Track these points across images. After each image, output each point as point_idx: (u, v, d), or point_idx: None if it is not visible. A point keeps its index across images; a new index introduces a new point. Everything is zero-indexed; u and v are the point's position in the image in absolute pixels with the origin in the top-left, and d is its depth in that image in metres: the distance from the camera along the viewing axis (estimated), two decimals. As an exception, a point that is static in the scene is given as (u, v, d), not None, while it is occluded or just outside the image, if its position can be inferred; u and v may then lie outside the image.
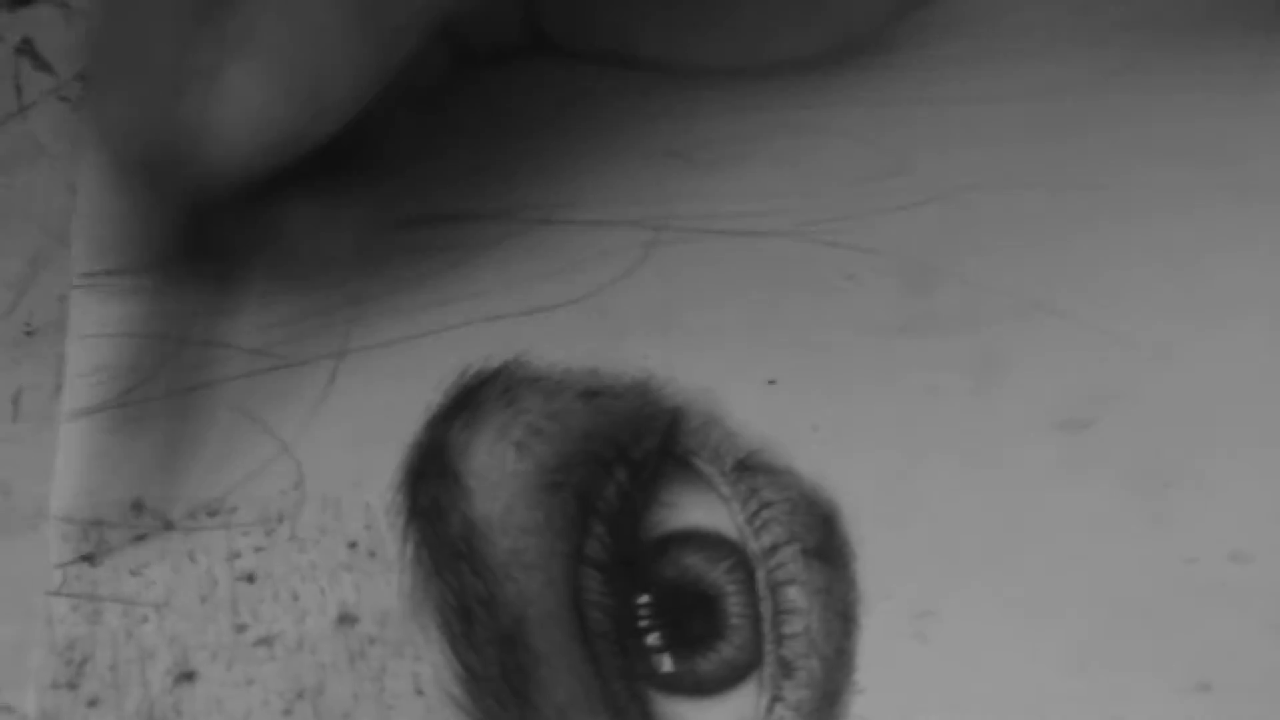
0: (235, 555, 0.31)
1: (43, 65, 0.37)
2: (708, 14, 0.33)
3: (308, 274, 0.33)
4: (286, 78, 0.28)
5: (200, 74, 0.28)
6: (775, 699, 0.29)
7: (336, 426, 0.32)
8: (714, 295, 0.33)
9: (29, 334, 0.34)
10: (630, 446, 0.31)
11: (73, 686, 0.30)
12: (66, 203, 0.35)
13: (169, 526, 0.32)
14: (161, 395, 0.32)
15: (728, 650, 0.30)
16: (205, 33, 0.28)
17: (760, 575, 0.30)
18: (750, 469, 0.31)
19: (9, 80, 0.37)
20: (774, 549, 0.30)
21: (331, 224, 0.31)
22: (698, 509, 0.31)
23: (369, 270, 0.33)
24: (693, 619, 0.30)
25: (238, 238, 0.31)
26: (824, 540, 0.30)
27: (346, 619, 0.31)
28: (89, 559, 0.31)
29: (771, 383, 0.32)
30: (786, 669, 0.29)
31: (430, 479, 0.31)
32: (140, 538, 0.31)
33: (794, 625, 0.30)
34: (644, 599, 0.30)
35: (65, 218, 0.35)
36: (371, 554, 0.31)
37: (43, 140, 0.36)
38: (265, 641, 0.30)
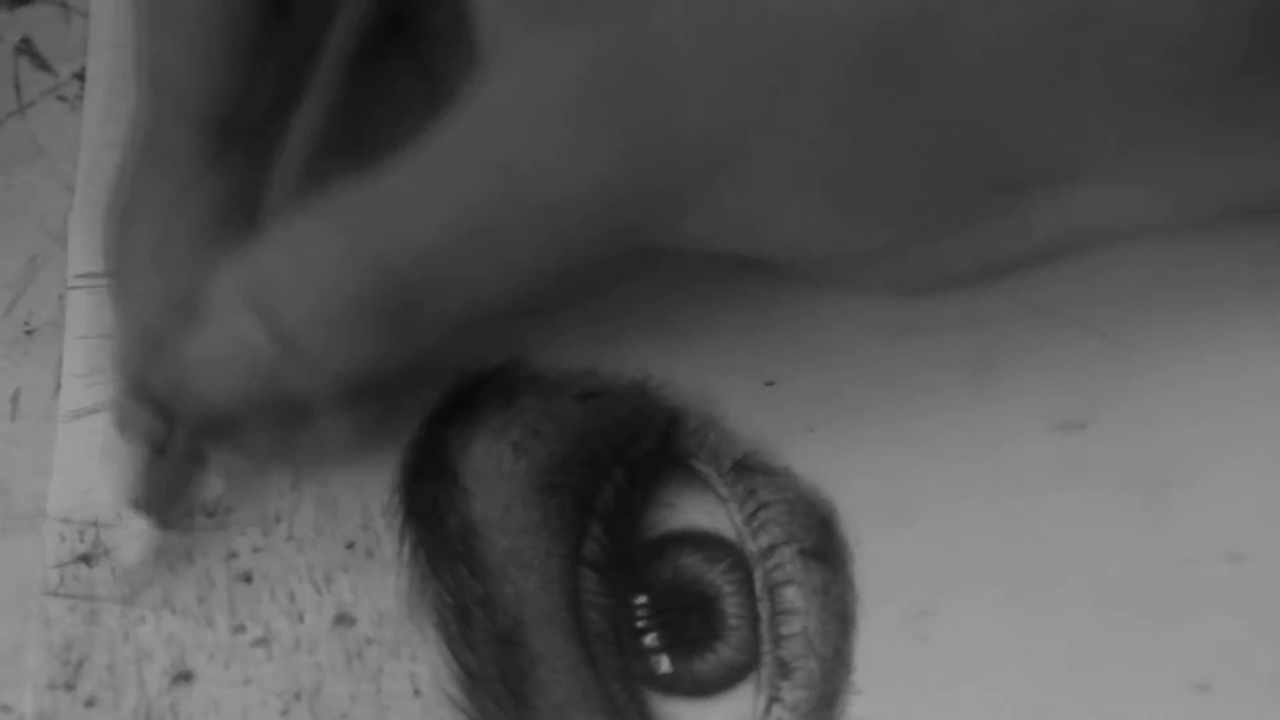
0: (232, 555, 0.31)
1: (42, 65, 0.37)
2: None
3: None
4: (297, 356, 0.27)
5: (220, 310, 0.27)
6: (773, 700, 0.29)
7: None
8: (711, 296, 0.33)
9: (28, 334, 0.34)
10: (628, 447, 0.31)
11: (70, 687, 0.30)
12: (65, 202, 0.35)
13: (166, 527, 0.31)
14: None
15: (725, 651, 0.30)
16: (229, 274, 0.27)
17: (758, 576, 0.30)
18: (748, 470, 0.31)
19: (8, 80, 0.37)
20: (772, 550, 0.30)
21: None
22: (695, 510, 0.31)
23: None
24: (690, 620, 0.30)
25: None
26: (822, 541, 0.30)
27: (344, 619, 0.31)
28: (86, 560, 0.31)
29: (769, 384, 0.32)
30: (784, 670, 0.29)
31: (428, 479, 0.31)
32: (138, 538, 0.31)
33: (792, 626, 0.30)
34: (641, 600, 0.30)
35: (64, 218, 0.35)
36: (369, 554, 0.31)
37: (42, 140, 0.36)
38: (262, 642, 0.30)
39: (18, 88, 0.37)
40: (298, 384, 0.27)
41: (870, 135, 0.25)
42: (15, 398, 0.34)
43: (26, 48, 0.37)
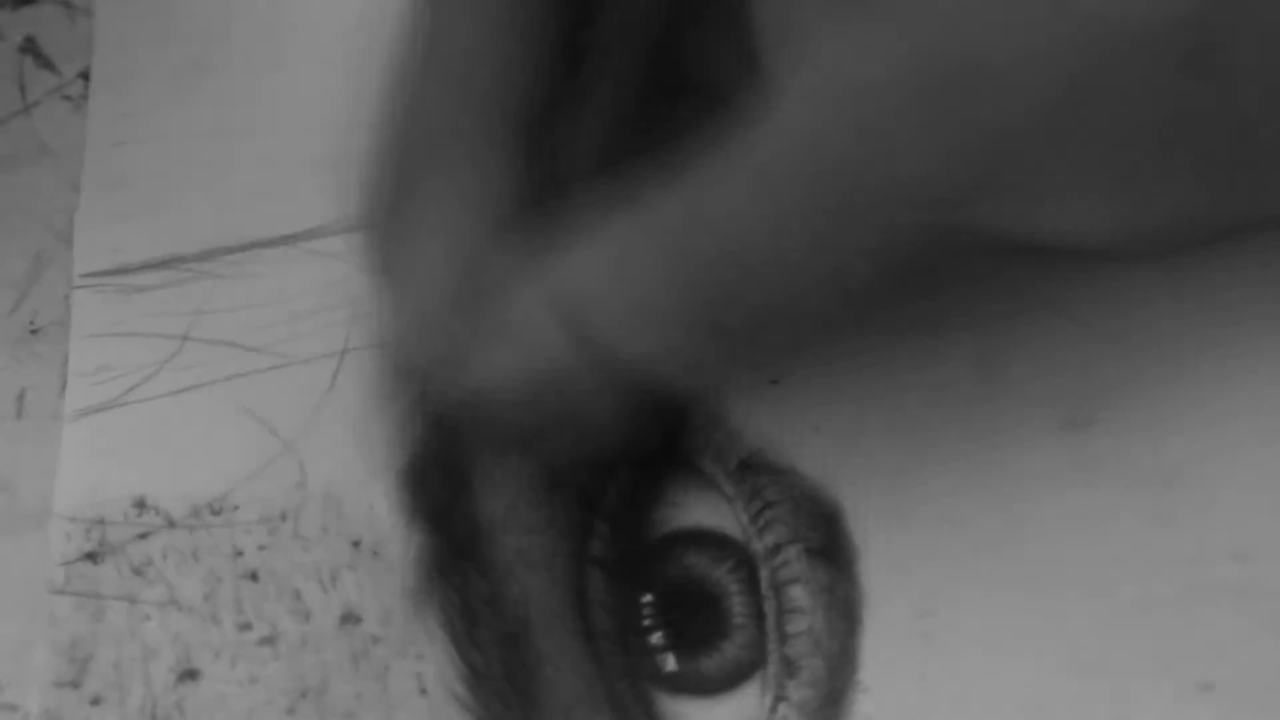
0: (238, 554, 0.31)
1: (46, 64, 0.37)
2: None
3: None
4: (600, 363, 0.26)
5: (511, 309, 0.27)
6: (779, 698, 0.29)
7: (340, 425, 0.32)
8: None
9: (33, 333, 0.34)
10: (633, 446, 0.31)
11: (76, 685, 0.30)
12: (70, 201, 0.35)
13: (172, 525, 0.32)
14: (164, 394, 0.32)
15: (731, 649, 0.30)
16: (522, 266, 0.27)
17: (764, 574, 0.30)
18: (753, 468, 0.31)
19: (12, 79, 0.37)
20: (777, 548, 0.30)
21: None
22: (701, 508, 0.31)
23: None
24: (696, 618, 0.30)
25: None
26: (827, 540, 0.30)
27: (350, 618, 0.31)
28: (92, 557, 0.31)
29: (774, 383, 0.32)
30: (790, 668, 0.29)
31: (434, 479, 0.31)
32: (143, 536, 0.31)
33: (798, 624, 0.30)
34: (647, 598, 0.30)
35: (69, 217, 0.35)
36: (375, 553, 0.31)
37: (46, 139, 0.36)
38: (268, 640, 0.30)
39: (22, 87, 0.37)
40: (599, 404, 0.26)
41: (1168, 137, 0.25)
42: (20, 397, 0.34)
43: (31, 47, 0.37)
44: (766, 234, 0.25)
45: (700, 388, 0.28)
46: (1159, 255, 0.31)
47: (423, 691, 0.30)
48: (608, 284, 0.26)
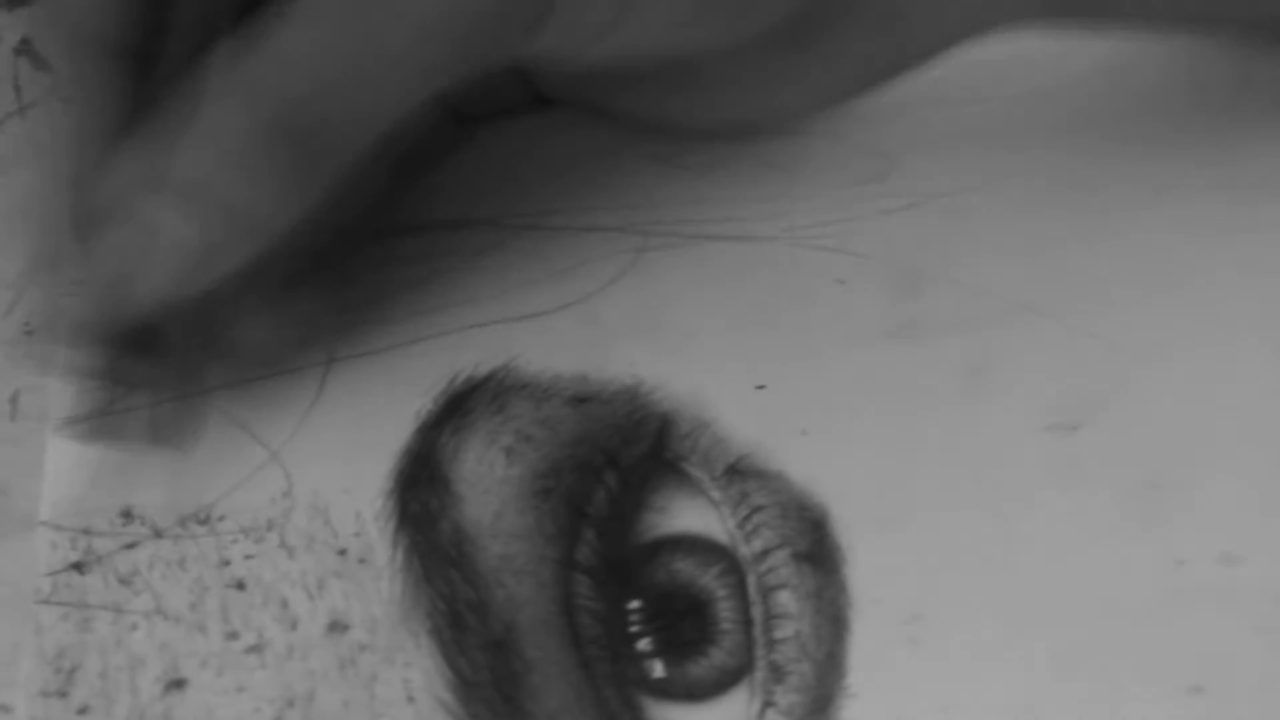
0: (225, 563, 0.31)
1: (42, 65, 0.37)
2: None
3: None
4: (205, 208, 0.28)
5: (122, 204, 0.28)
6: (767, 704, 0.29)
7: (325, 433, 0.32)
8: (703, 300, 0.33)
9: (28, 334, 0.34)
10: (620, 452, 0.31)
11: (63, 694, 0.30)
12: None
13: (158, 534, 0.31)
14: (149, 403, 0.32)
15: (719, 655, 0.30)
16: (126, 167, 0.28)
17: (751, 580, 0.30)
18: (740, 474, 0.31)
19: (8, 80, 0.37)
20: (765, 554, 0.30)
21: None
22: (688, 514, 0.31)
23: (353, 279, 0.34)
24: (684, 624, 0.30)
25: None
26: (815, 545, 0.30)
27: (337, 626, 0.30)
28: (78, 567, 0.31)
29: (761, 387, 0.32)
30: (778, 674, 0.29)
31: (420, 485, 0.31)
32: (129, 545, 0.31)
33: (785, 630, 0.30)
34: (635, 604, 0.30)
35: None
36: (361, 561, 0.31)
37: (42, 140, 0.36)
38: (255, 649, 0.30)
39: (18, 88, 0.37)
40: (220, 252, 0.28)
41: None
42: (14, 399, 0.34)
43: (26, 48, 0.37)
44: (322, 65, 0.27)
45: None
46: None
47: (410, 699, 0.30)
48: (186, 134, 0.27)
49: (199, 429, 0.32)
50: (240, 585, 0.31)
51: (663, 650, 0.30)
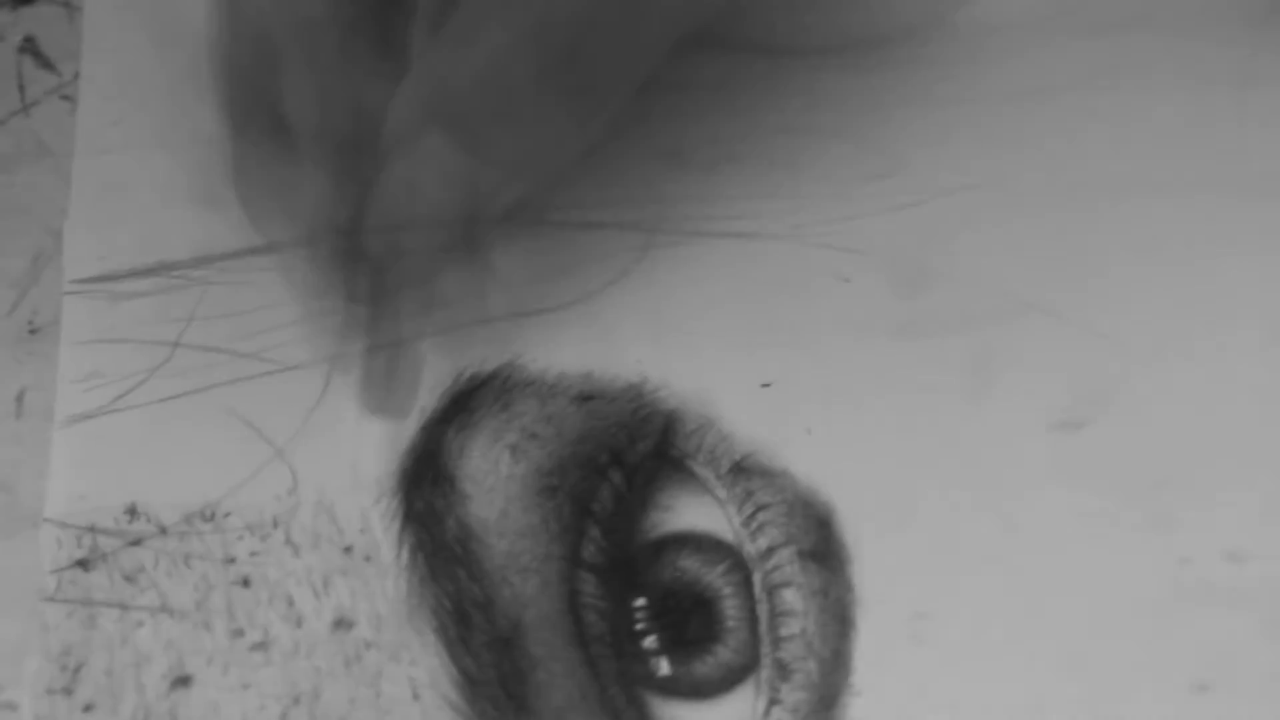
0: (230, 560, 0.31)
1: (45, 64, 0.37)
2: None
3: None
4: (486, 149, 0.29)
5: (403, 137, 0.29)
6: (772, 701, 0.29)
7: (331, 431, 0.32)
8: (708, 298, 0.33)
9: (32, 333, 0.34)
10: (625, 450, 0.31)
11: (68, 692, 0.30)
12: (69, 202, 0.35)
13: (163, 531, 0.31)
14: (156, 400, 0.32)
15: (724, 653, 0.30)
16: (404, 96, 0.29)
17: (757, 578, 0.30)
18: (746, 472, 0.31)
19: (12, 79, 0.37)
20: (771, 551, 0.30)
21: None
22: (694, 512, 0.31)
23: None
24: (689, 622, 0.30)
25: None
26: (820, 542, 0.30)
27: (342, 623, 0.30)
28: (83, 564, 0.31)
29: (766, 385, 0.32)
30: (783, 671, 0.29)
31: (425, 483, 0.31)
32: (135, 543, 0.31)
33: (791, 628, 0.30)
34: (640, 602, 0.30)
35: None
36: (367, 558, 0.31)
37: (45, 139, 0.36)
38: (261, 646, 0.30)
39: (21, 87, 0.37)
40: (491, 186, 0.29)
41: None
42: (19, 397, 0.34)
43: (30, 46, 0.37)
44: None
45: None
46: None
47: (416, 696, 0.30)
48: (459, 69, 0.28)
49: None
50: (246, 582, 0.31)
51: (668, 648, 0.30)
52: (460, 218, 0.30)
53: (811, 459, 0.31)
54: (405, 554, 0.31)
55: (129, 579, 0.31)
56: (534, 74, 0.28)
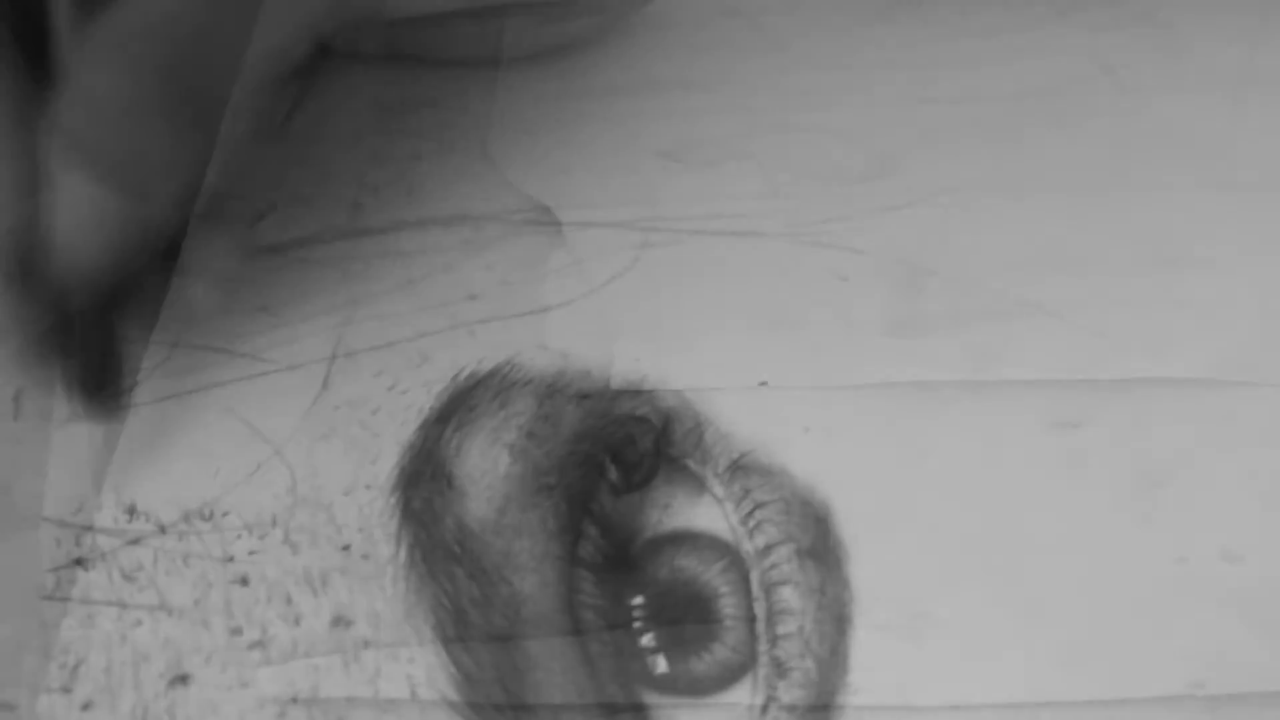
0: (229, 559, 0.31)
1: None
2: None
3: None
4: (114, 175, 0.29)
5: (31, 188, 0.29)
6: (770, 700, 0.29)
7: (329, 430, 0.32)
8: (705, 297, 0.33)
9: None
10: (623, 448, 0.31)
11: (67, 690, 0.30)
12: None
13: (162, 530, 0.31)
14: (154, 400, 0.32)
15: (722, 651, 0.30)
16: (26, 146, 0.29)
17: (754, 576, 0.30)
18: (744, 470, 0.31)
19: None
20: (768, 550, 0.30)
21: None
22: (691, 510, 0.31)
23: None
24: (687, 620, 0.30)
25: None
26: (818, 541, 0.30)
27: (340, 622, 0.31)
28: (82, 563, 0.31)
29: (763, 384, 0.32)
30: (781, 670, 0.29)
31: (423, 482, 0.31)
32: (133, 542, 0.31)
33: (788, 626, 0.30)
34: (638, 600, 0.30)
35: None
36: (365, 557, 0.31)
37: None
38: (259, 645, 0.30)
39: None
40: (146, 217, 0.29)
41: None
42: (17, 398, 0.34)
43: None
44: (190, 30, 0.29)
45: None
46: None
47: (414, 695, 0.30)
48: (88, 109, 0.29)
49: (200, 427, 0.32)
50: (244, 581, 0.31)
51: (666, 646, 0.30)
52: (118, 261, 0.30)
53: (809, 457, 0.31)
54: (403, 552, 0.31)
55: (127, 578, 0.31)
56: (152, 98, 0.29)
